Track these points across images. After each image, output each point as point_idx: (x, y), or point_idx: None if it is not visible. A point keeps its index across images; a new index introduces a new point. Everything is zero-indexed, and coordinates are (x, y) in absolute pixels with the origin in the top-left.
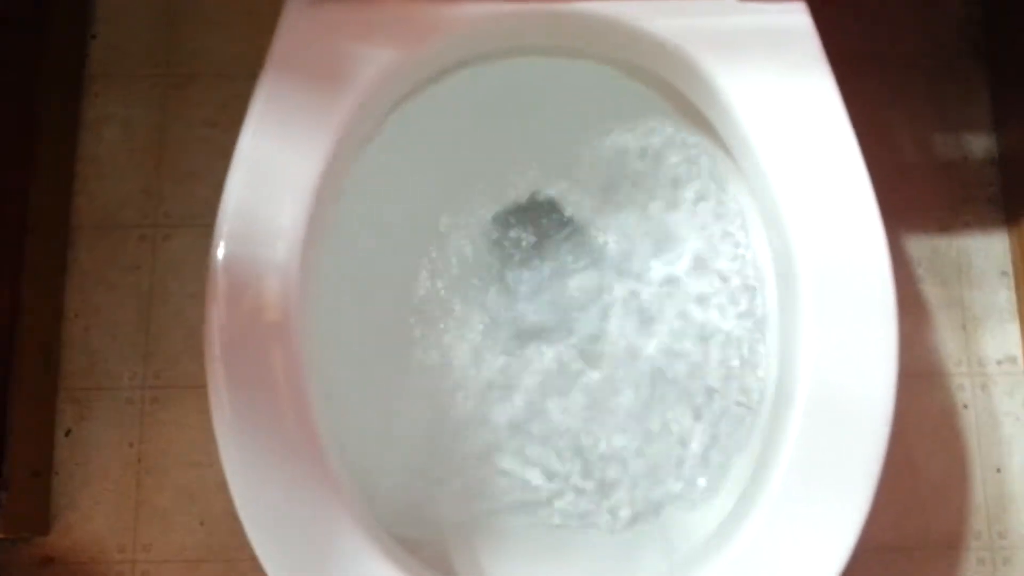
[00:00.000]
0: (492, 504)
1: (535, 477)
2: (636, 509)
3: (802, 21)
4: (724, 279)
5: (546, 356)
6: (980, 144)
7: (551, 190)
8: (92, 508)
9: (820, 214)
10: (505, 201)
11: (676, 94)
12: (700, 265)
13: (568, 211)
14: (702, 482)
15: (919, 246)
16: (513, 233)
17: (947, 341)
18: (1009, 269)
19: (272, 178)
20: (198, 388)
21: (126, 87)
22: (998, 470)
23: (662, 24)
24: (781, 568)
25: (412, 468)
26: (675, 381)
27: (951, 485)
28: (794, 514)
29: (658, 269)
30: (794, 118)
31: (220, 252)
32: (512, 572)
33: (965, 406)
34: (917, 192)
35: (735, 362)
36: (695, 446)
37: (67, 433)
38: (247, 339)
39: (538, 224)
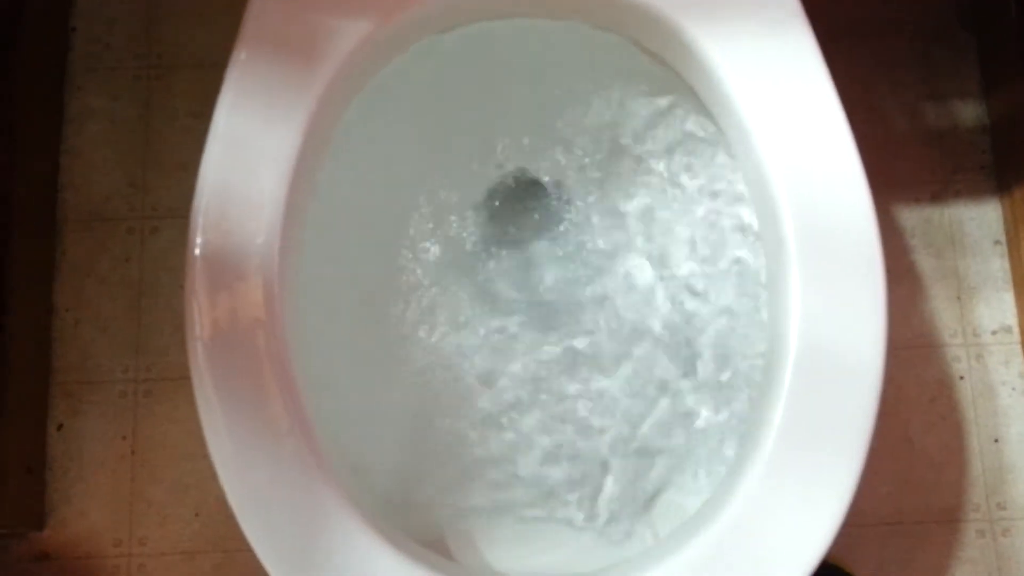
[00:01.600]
0: (486, 492)
1: (531, 468)
2: (633, 503)
3: None
4: (719, 251)
5: (541, 342)
6: (970, 112)
7: (540, 162)
8: (86, 503)
9: (805, 173)
10: (493, 176)
11: (655, 55)
12: (694, 240)
13: (557, 187)
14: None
15: (911, 217)
16: (503, 210)
17: (942, 312)
18: (1002, 238)
19: (248, 157)
20: (191, 379)
21: (108, 79)
22: (995, 441)
23: None
24: (776, 533)
25: (404, 456)
26: (679, 363)
27: (948, 458)
28: (787, 478)
29: (652, 247)
30: (776, 77)
31: (198, 237)
32: (503, 551)
33: (961, 377)
34: (908, 162)
35: (734, 339)
36: (702, 429)
37: (59, 428)
38: (229, 325)
39: (528, 201)
